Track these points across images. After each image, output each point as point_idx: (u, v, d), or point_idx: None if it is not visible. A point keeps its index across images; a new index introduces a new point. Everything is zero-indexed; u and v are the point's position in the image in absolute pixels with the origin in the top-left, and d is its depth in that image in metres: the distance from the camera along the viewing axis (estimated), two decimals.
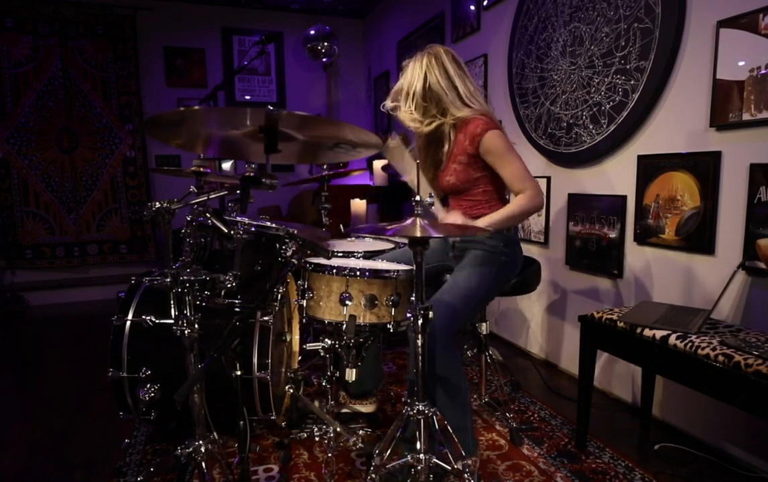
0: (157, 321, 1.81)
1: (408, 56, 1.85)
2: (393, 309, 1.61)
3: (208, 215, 1.35)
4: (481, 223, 1.70)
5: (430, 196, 1.53)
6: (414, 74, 1.78)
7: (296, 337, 2.22)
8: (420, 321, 1.36)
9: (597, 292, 2.57)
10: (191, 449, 1.36)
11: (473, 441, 1.70)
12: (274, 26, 5.35)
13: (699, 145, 1.99)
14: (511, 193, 1.77)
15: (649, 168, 2.20)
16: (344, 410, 2.13)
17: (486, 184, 1.81)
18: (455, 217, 1.72)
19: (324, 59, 5.19)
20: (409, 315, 1.39)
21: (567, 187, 2.72)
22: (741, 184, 1.83)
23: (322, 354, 1.78)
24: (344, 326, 1.58)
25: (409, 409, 1.43)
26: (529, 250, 3.00)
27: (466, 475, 1.42)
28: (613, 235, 2.41)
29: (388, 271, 1.61)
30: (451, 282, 1.74)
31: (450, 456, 1.45)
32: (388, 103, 1.88)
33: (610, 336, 1.82)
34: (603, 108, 2.40)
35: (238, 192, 1.34)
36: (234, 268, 1.44)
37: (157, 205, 1.28)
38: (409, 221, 1.35)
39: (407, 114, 1.80)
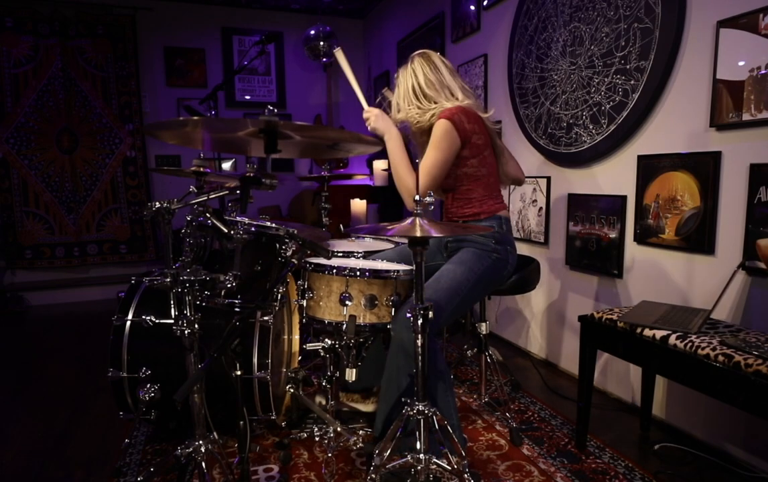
0: (157, 321, 1.81)
1: (407, 57, 1.88)
2: (393, 310, 1.61)
3: (208, 215, 1.35)
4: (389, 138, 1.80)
5: (430, 195, 1.53)
6: (407, 76, 1.88)
7: (296, 337, 2.22)
8: (420, 321, 1.36)
9: (597, 292, 2.57)
10: (191, 449, 1.36)
11: (462, 438, 1.69)
12: (274, 26, 5.36)
13: (699, 145, 1.99)
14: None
15: (649, 168, 2.20)
16: (344, 408, 2.13)
17: (468, 182, 1.82)
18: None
19: (324, 59, 5.19)
20: (408, 315, 1.38)
21: (567, 187, 2.72)
22: (741, 184, 1.83)
23: (322, 354, 1.78)
24: (344, 326, 1.58)
25: (409, 409, 1.43)
26: (529, 250, 3.00)
27: (466, 475, 1.42)
28: (613, 234, 2.41)
29: (388, 271, 1.61)
30: (436, 276, 1.72)
31: (450, 455, 1.45)
32: (395, 115, 1.92)
33: (610, 336, 1.82)
34: (603, 108, 2.40)
35: (238, 192, 1.34)
36: (234, 268, 1.44)
37: (157, 204, 1.28)
38: (408, 221, 1.35)
39: (407, 112, 1.87)
